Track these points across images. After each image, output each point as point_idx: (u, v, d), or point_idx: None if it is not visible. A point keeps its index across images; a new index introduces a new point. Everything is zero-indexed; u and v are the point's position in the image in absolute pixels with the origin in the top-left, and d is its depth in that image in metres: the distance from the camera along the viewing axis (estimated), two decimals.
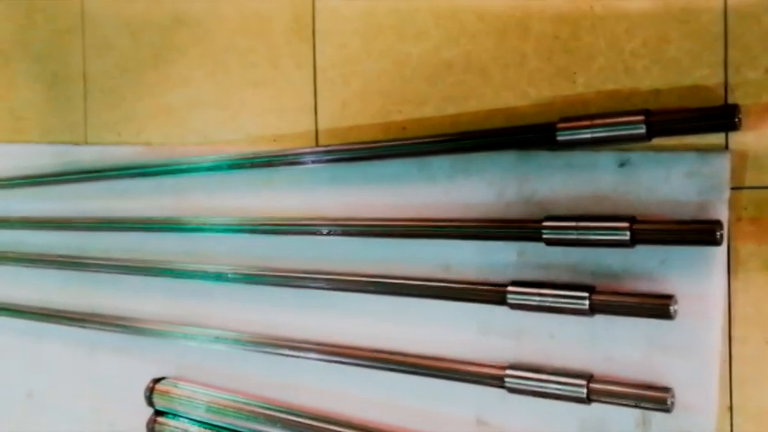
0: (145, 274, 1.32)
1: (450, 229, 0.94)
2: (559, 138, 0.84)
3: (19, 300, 1.60)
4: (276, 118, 1.18)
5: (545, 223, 0.85)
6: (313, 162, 1.08)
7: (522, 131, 0.89)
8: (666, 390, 0.80)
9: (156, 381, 1.30)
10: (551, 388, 0.85)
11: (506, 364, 0.90)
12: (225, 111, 1.25)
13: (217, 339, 1.20)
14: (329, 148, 1.06)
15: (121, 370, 1.42)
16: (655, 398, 0.80)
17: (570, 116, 0.84)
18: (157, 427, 1.27)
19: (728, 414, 0.79)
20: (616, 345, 0.85)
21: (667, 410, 0.79)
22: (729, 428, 0.79)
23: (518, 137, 0.89)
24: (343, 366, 1.05)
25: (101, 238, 1.44)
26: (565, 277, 0.88)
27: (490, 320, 0.94)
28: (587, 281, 0.86)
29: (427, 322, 0.99)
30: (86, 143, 1.50)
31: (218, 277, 1.19)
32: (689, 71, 0.80)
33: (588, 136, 0.82)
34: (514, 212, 0.92)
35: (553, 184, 0.89)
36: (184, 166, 1.26)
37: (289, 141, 1.16)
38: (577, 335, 0.88)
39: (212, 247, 1.25)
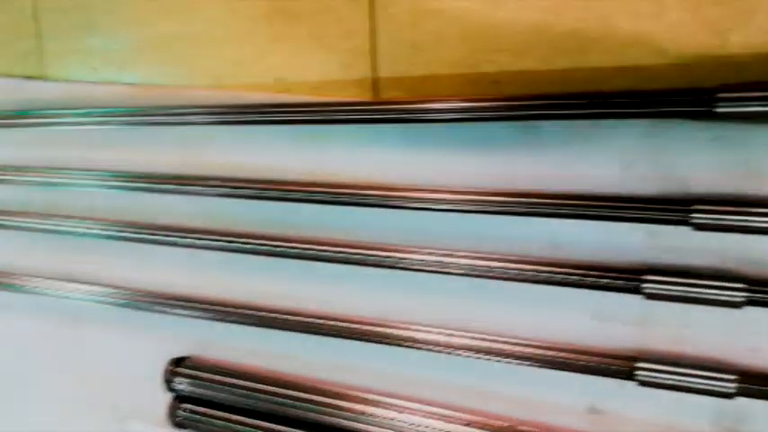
0: None
1: (566, 208, 0.82)
2: (720, 109, 0.73)
3: None
4: (319, 59, 0.98)
5: (694, 206, 0.75)
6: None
7: (671, 96, 0.76)
8: None
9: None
10: (694, 383, 0.78)
11: (634, 355, 0.82)
12: (246, 47, 1.03)
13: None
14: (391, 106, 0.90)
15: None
16: None
17: (731, 84, 0.72)
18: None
19: None
20: (764, 336, 0.79)
21: None
22: None
23: (663, 105, 0.76)
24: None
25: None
26: (699, 261, 0.80)
27: (610, 306, 0.85)
28: (733, 268, 0.78)
29: (538, 307, 0.89)
30: (45, 78, 1.22)
31: None
32: None
33: (756, 110, 0.71)
34: (648, 188, 0.80)
35: (697, 159, 0.78)
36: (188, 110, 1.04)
37: (337, 90, 0.97)
38: (717, 324, 0.80)
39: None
